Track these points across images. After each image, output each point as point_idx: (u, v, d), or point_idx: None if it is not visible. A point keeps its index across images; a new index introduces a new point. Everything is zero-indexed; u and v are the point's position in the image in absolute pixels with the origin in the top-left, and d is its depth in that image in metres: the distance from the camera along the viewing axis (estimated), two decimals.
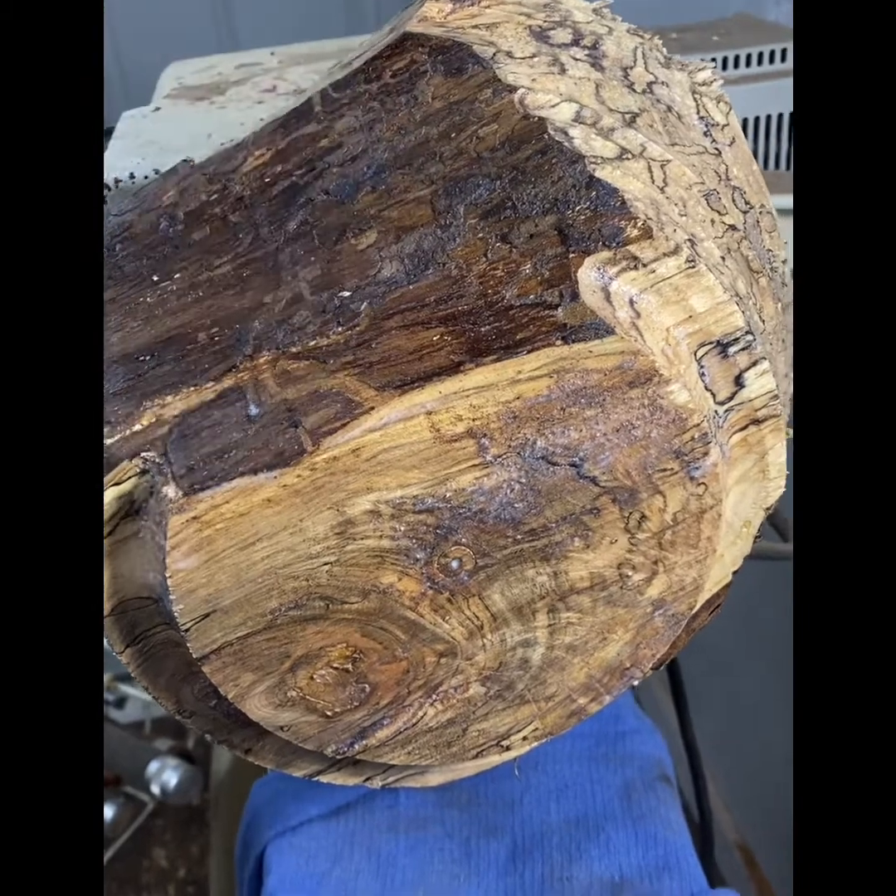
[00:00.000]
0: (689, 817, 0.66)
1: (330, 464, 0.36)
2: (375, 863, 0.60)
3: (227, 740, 0.45)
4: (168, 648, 0.41)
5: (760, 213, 0.44)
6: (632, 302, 0.37)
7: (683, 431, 0.38)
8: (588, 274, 0.36)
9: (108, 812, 1.24)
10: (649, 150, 0.39)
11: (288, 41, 0.76)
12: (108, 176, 0.54)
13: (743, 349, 0.39)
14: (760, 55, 0.69)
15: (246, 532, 0.36)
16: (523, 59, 0.39)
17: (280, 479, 0.35)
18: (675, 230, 0.37)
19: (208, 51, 0.79)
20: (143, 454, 0.36)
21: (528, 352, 0.36)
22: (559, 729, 0.44)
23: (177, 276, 0.39)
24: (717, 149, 0.43)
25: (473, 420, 0.36)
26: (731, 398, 0.40)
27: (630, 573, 0.40)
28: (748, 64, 0.69)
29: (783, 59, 0.69)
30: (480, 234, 0.37)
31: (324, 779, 0.48)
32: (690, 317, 0.38)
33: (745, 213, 0.43)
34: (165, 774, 1.19)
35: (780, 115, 0.67)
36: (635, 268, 0.37)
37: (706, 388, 0.39)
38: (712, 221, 0.40)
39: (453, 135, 0.38)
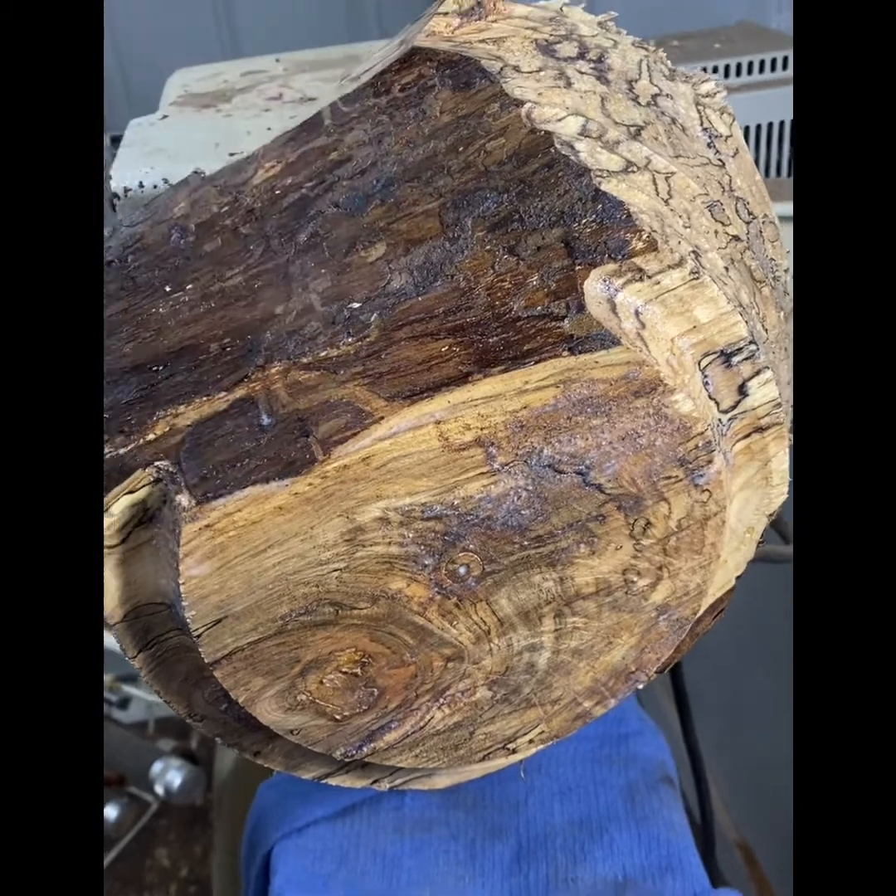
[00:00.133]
0: (691, 818, 0.67)
1: (340, 472, 0.36)
2: (381, 864, 0.60)
3: (238, 744, 0.46)
4: (180, 653, 0.42)
5: (763, 223, 0.45)
6: (637, 313, 0.37)
7: (688, 440, 0.38)
8: (594, 286, 0.37)
9: (112, 812, 1.25)
10: (654, 162, 0.39)
11: (290, 46, 0.77)
12: (118, 185, 0.54)
13: (746, 359, 0.39)
14: (763, 63, 0.69)
15: (257, 539, 0.37)
16: (530, 72, 0.40)
17: (291, 487, 0.36)
18: (679, 242, 0.38)
19: (211, 57, 0.80)
20: (156, 463, 0.37)
21: (536, 362, 0.36)
22: (565, 732, 0.45)
23: (189, 287, 0.39)
24: (720, 160, 0.43)
25: (481, 429, 0.37)
26: (734, 407, 0.40)
27: (635, 579, 0.41)
28: (750, 72, 0.69)
29: (785, 66, 0.69)
30: (488, 247, 0.37)
31: (332, 781, 0.49)
32: (695, 327, 0.38)
33: (748, 223, 0.43)
34: (169, 775, 1.20)
35: (783, 123, 0.68)
36: (640, 279, 0.37)
37: (710, 397, 0.40)
38: (716, 232, 0.41)
39: (461, 148, 0.38)
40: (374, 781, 0.49)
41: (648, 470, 0.39)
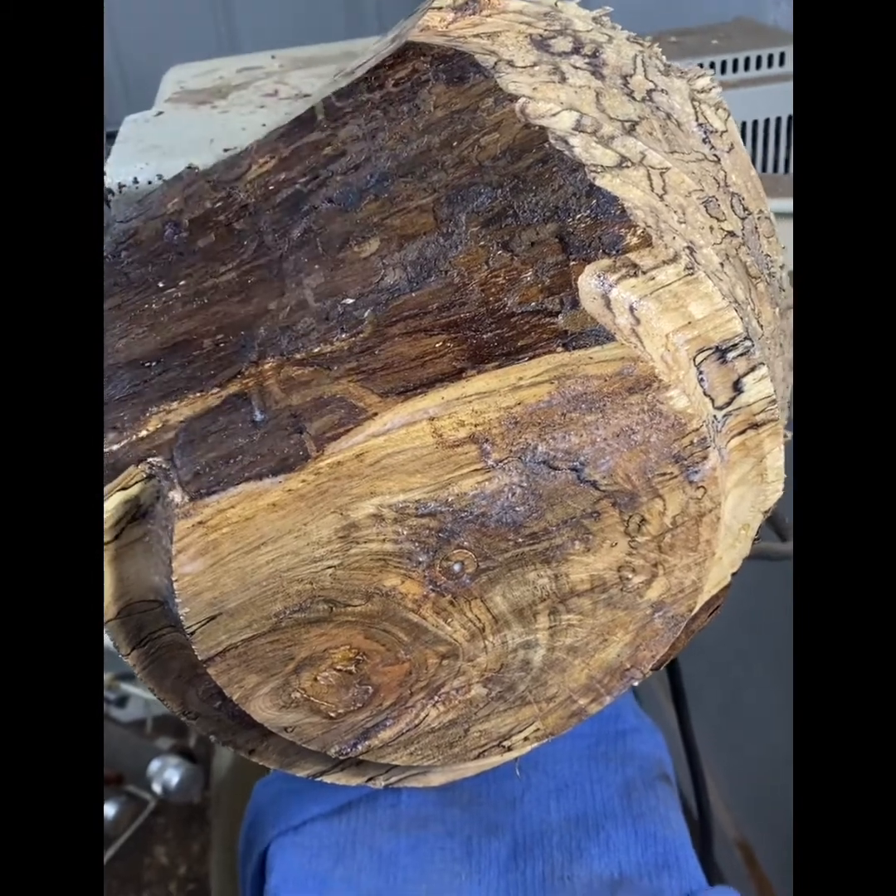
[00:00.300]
0: (689, 816, 0.66)
1: (334, 469, 0.36)
2: (377, 861, 0.60)
3: (232, 741, 0.46)
4: (174, 650, 0.42)
5: (758, 218, 0.45)
6: (632, 309, 0.37)
7: (682, 436, 0.38)
8: (588, 281, 0.37)
9: (110, 810, 1.25)
10: (649, 157, 0.39)
11: (288, 43, 0.77)
12: (112, 181, 0.54)
13: (741, 355, 0.39)
14: (760, 59, 0.69)
15: (251, 536, 0.37)
16: (524, 67, 0.40)
17: (285, 483, 0.36)
18: (674, 238, 0.38)
19: (209, 53, 0.79)
20: (149, 459, 0.37)
21: (530, 358, 0.36)
22: (560, 729, 0.45)
23: (182, 282, 0.39)
24: (715, 155, 0.43)
25: (475, 425, 0.37)
26: (729, 403, 0.40)
27: (630, 576, 0.41)
28: (747, 68, 0.69)
29: (782, 62, 0.69)
30: (482, 242, 0.37)
31: (327, 779, 0.49)
32: (689, 323, 0.38)
33: (743, 219, 0.43)
34: (167, 773, 1.20)
35: (779, 119, 0.68)
36: (635, 275, 0.37)
37: (705, 394, 0.39)
38: (711, 228, 0.41)
39: (455, 143, 0.38)
40: (370, 779, 0.49)
41: (643, 466, 0.38)
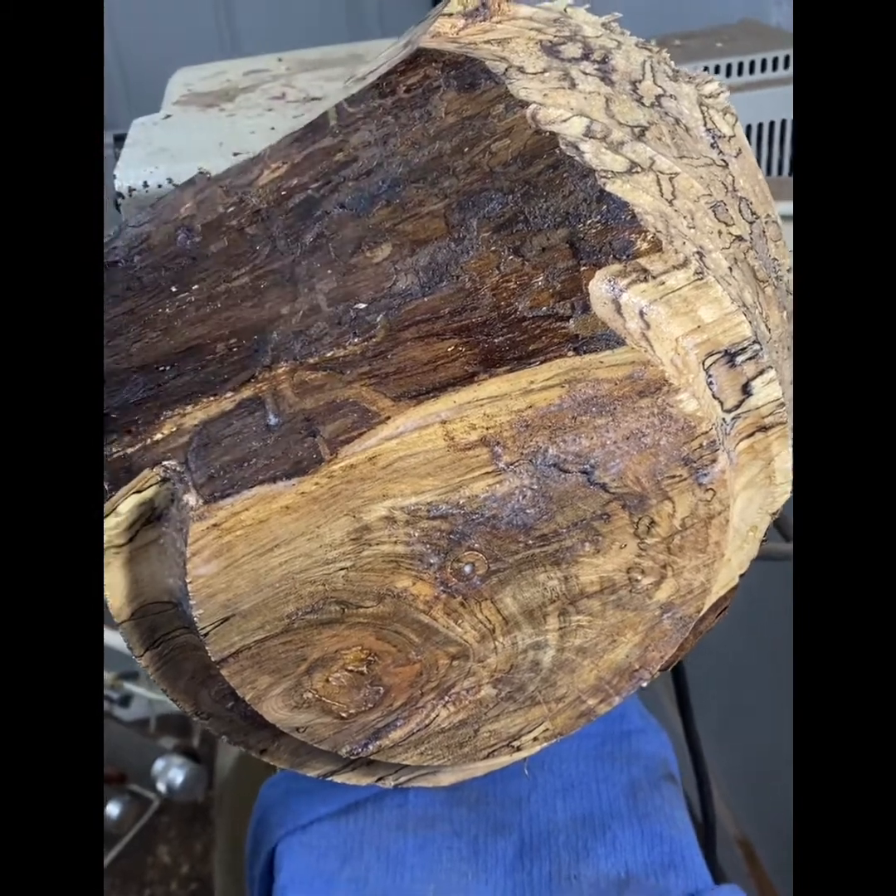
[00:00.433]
0: (692, 815, 0.67)
1: (347, 472, 0.36)
2: (385, 861, 0.60)
3: (244, 741, 0.46)
4: (187, 652, 0.42)
5: (766, 222, 0.45)
6: (642, 313, 0.38)
7: (692, 439, 0.39)
8: (599, 286, 0.37)
9: (114, 809, 1.25)
10: (658, 163, 0.40)
11: (290, 45, 0.77)
12: (122, 185, 0.55)
13: (750, 358, 0.39)
14: (764, 62, 0.69)
15: (264, 538, 0.37)
16: (535, 74, 0.40)
17: (298, 486, 0.36)
18: (683, 243, 0.38)
19: (211, 56, 0.80)
20: (164, 463, 0.37)
21: (541, 362, 0.36)
22: (569, 729, 0.45)
23: (195, 287, 0.40)
24: (723, 160, 0.44)
25: (487, 429, 0.37)
26: (738, 406, 0.40)
27: (639, 577, 0.41)
28: (752, 71, 0.69)
29: (787, 65, 0.70)
30: (493, 248, 0.37)
31: (337, 779, 0.49)
32: (699, 327, 0.38)
33: (751, 223, 0.44)
34: (171, 772, 1.20)
35: (784, 122, 0.68)
36: (645, 280, 0.37)
37: (714, 397, 0.40)
38: (720, 232, 0.41)
39: (466, 149, 0.39)
40: (379, 779, 0.49)
41: (653, 469, 0.39)
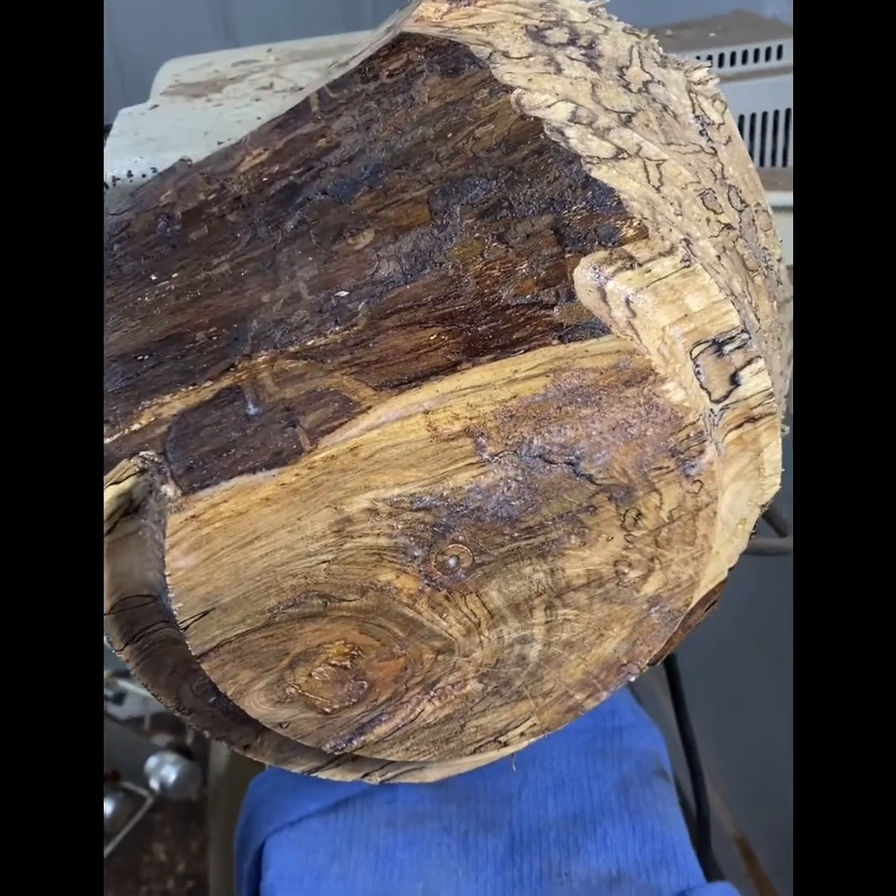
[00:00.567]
0: (687, 812, 0.66)
1: (328, 463, 0.36)
2: (374, 858, 0.60)
3: (226, 737, 0.46)
4: (167, 646, 0.41)
5: (756, 211, 0.45)
6: (628, 301, 0.37)
7: (679, 430, 0.38)
8: (584, 274, 0.36)
9: (108, 807, 1.25)
10: (645, 149, 0.39)
11: (285, 37, 0.76)
12: (107, 174, 0.54)
13: (738, 348, 0.39)
14: (757, 52, 0.69)
15: (244, 530, 0.36)
16: (519, 58, 0.40)
17: (278, 477, 0.36)
18: (670, 230, 0.38)
19: (206, 48, 0.79)
20: (141, 453, 0.37)
21: (525, 351, 0.36)
22: (556, 725, 0.45)
23: (175, 275, 0.39)
24: (712, 148, 0.43)
25: (470, 419, 0.36)
26: (726, 396, 0.40)
27: (626, 570, 0.41)
28: (745, 61, 0.69)
29: (780, 55, 0.69)
30: (477, 234, 0.37)
31: (322, 775, 0.48)
32: (686, 316, 0.38)
33: (740, 211, 0.43)
34: (164, 770, 1.20)
35: (778, 112, 0.67)
36: (631, 267, 0.37)
37: (702, 387, 0.39)
38: (708, 220, 0.40)
39: (450, 135, 0.38)
40: (365, 775, 0.49)
41: (639, 460, 0.38)
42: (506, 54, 0.39)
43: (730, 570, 0.45)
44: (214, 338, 0.38)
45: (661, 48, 0.44)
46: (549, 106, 0.38)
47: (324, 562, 0.38)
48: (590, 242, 0.36)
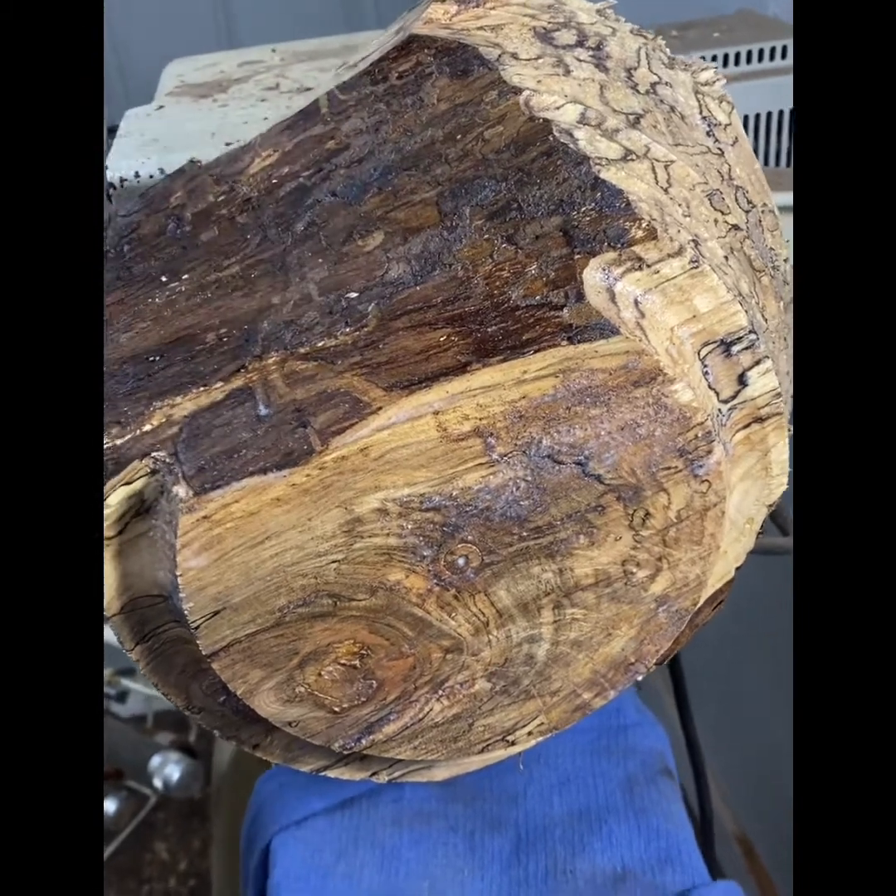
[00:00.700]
0: (690, 811, 0.66)
1: (338, 463, 0.36)
2: (380, 856, 0.60)
3: (236, 736, 0.46)
4: (177, 645, 0.41)
5: (762, 211, 0.45)
6: (636, 302, 0.37)
7: (687, 430, 0.38)
8: (593, 275, 0.36)
9: (111, 806, 1.25)
10: (653, 150, 0.39)
11: (287, 37, 0.76)
12: (114, 175, 0.54)
13: (746, 348, 0.39)
14: (762, 52, 0.69)
15: (255, 531, 0.37)
16: (528, 60, 0.40)
17: (289, 478, 0.36)
18: (679, 231, 0.38)
19: (208, 48, 0.79)
20: (153, 454, 0.37)
21: (534, 352, 0.36)
22: (564, 724, 0.45)
23: (185, 276, 0.39)
24: (719, 149, 0.43)
25: (480, 419, 0.37)
26: (734, 396, 0.40)
27: (634, 570, 0.41)
28: (749, 61, 0.69)
29: (784, 55, 0.69)
30: (486, 236, 0.37)
31: (330, 774, 0.49)
32: (694, 316, 0.38)
33: (747, 212, 0.43)
34: (167, 768, 1.20)
35: (782, 112, 0.67)
36: (640, 268, 0.37)
37: (710, 387, 0.39)
38: (715, 221, 0.40)
39: (459, 136, 0.38)
40: (373, 774, 0.49)
41: (648, 460, 0.38)
42: (515, 56, 0.40)
43: (737, 569, 0.45)
44: (225, 339, 0.38)
45: (668, 50, 0.44)
46: (558, 107, 0.38)
47: (334, 561, 0.38)
48: (599, 243, 0.37)
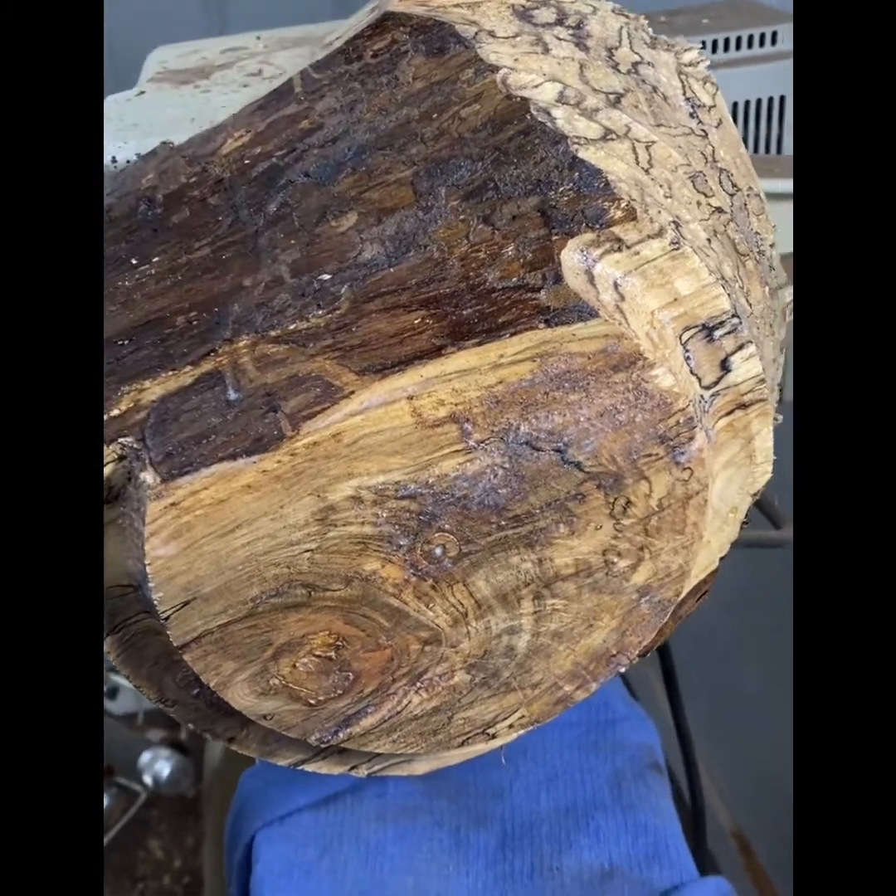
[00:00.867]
0: (683, 805, 0.66)
1: (310, 449, 0.35)
2: (364, 852, 0.59)
3: (210, 729, 0.45)
4: (149, 637, 0.41)
5: (748, 195, 0.44)
6: (616, 284, 0.36)
7: (668, 416, 0.37)
8: (571, 256, 0.36)
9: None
10: (634, 130, 0.38)
11: (277, 24, 0.75)
12: None
13: (729, 333, 0.38)
14: (751, 38, 0.68)
15: (225, 519, 0.36)
16: (506, 38, 0.39)
17: (260, 464, 0.35)
18: (659, 212, 0.37)
19: (198, 35, 0.78)
20: (120, 440, 0.36)
21: (511, 335, 0.35)
22: (545, 716, 0.44)
23: (155, 259, 0.38)
24: (703, 130, 0.42)
25: (456, 405, 0.36)
26: (716, 382, 0.39)
27: (615, 559, 0.40)
28: (739, 47, 0.68)
29: (775, 42, 0.68)
30: (462, 216, 0.36)
31: (308, 768, 0.48)
32: (675, 300, 0.37)
33: (731, 195, 0.42)
34: (157, 765, 1.19)
35: (771, 99, 0.67)
36: (619, 250, 0.36)
37: (691, 373, 0.39)
38: (698, 203, 0.40)
39: (435, 115, 0.37)
40: (352, 767, 0.48)
41: (628, 447, 0.38)
42: (492, 34, 0.39)
43: (721, 559, 0.44)
44: (195, 322, 0.37)
45: (650, 29, 0.44)
46: (535, 86, 0.37)
47: (307, 551, 0.37)
48: (577, 224, 0.36)
